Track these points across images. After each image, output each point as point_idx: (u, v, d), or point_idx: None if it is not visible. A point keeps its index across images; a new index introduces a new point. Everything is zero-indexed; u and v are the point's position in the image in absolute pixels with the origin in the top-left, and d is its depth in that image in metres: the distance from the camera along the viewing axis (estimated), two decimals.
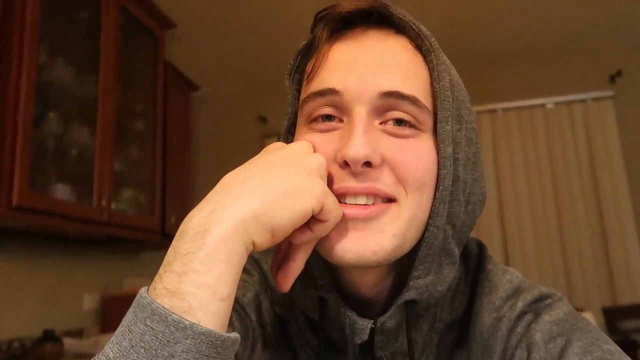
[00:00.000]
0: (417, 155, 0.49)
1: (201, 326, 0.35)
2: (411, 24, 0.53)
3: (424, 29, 0.53)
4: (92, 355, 0.38)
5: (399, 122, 0.50)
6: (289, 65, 0.58)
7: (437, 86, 0.51)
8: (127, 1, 2.41)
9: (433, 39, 0.53)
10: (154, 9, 2.63)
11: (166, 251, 0.41)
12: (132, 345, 0.35)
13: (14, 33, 1.79)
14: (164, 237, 2.67)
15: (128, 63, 2.44)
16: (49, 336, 2.01)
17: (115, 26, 2.30)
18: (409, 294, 0.51)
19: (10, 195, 1.70)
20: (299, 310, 0.59)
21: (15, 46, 1.78)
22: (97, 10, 2.23)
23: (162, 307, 0.35)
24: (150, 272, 0.40)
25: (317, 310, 0.55)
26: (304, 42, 0.57)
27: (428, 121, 0.51)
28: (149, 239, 2.59)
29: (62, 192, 1.96)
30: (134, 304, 0.38)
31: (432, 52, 0.52)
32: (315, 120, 0.52)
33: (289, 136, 0.58)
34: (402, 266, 0.53)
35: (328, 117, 0.52)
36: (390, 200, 0.49)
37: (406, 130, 0.50)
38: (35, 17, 1.83)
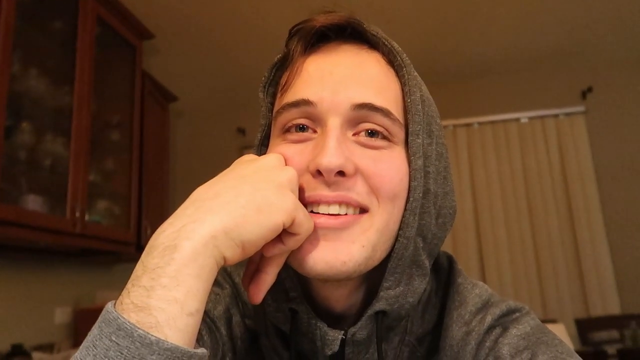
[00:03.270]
0: (390, 166, 0.50)
1: (167, 342, 0.35)
2: (384, 40, 0.54)
3: (396, 45, 0.54)
4: None
5: (371, 133, 0.51)
6: (263, 78, 0.58)
7: (409, 100, 0.52)
8: (103, 11, 2.39)
9: (405, 55, 0.54)
10: (131, 19, 2.61)
11: None
12: None
13: None
14: (139, 250, 2.62)
15: (104, 73, 2.41)
16: (18, 351, 1.95)
17: (92, 36, 2.28)
18: (379, 305, 0.51)
19: None
20: (270, 323, 0.59)
21: None
22: (73, 20, 2.20)
23: (128, 322, 0.35)
24: (124, 285, 0.39)
25: (288, 322, 0.54)
26: (278, 56, 0.57)
27: (400, 134, 0.51)
28: (124, 251, 2.55)
29: (34, 203, 1.92)
30: (99, 318, 0.37)
31: (403, 67, 0.53)
32: (288, 130, 0.53)
33: (262, 148, 0.58)
34: (373, 280, 0.53)
35: (302, 128, 0.52)
36: (363, 210, 0.50)
37: (378, 142, 0.51)
38: (9, 26, 1.80)
